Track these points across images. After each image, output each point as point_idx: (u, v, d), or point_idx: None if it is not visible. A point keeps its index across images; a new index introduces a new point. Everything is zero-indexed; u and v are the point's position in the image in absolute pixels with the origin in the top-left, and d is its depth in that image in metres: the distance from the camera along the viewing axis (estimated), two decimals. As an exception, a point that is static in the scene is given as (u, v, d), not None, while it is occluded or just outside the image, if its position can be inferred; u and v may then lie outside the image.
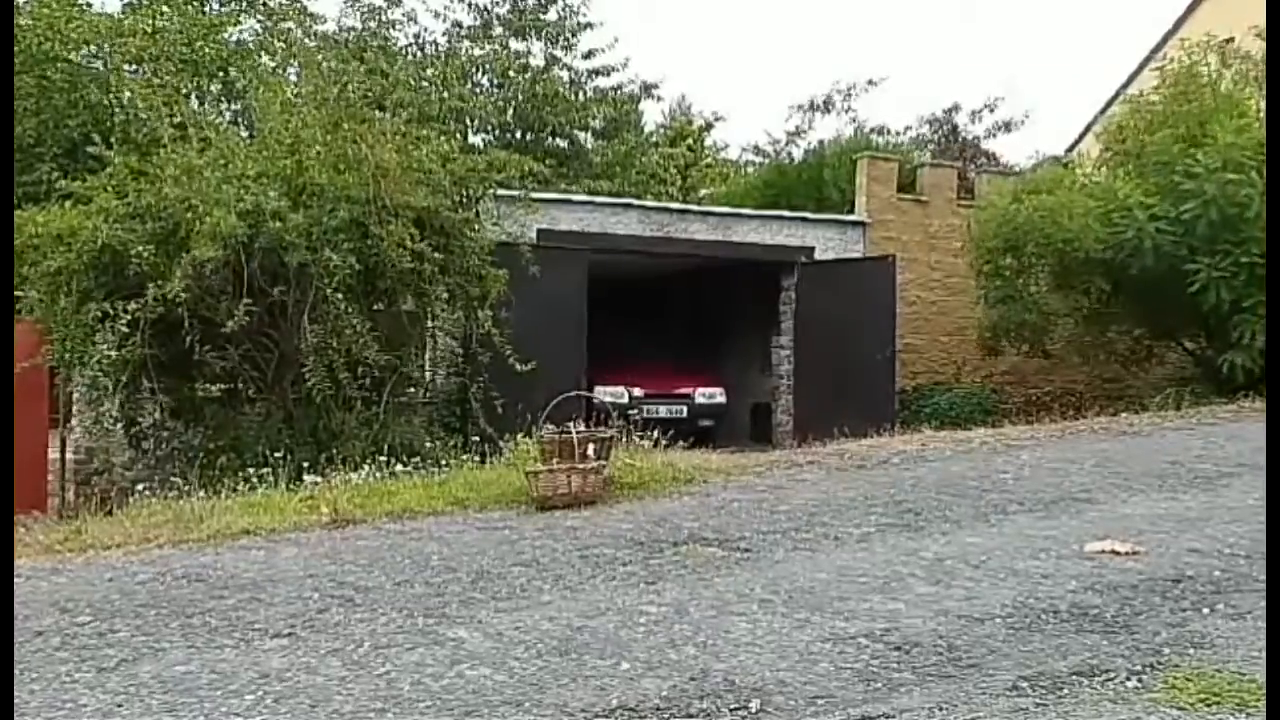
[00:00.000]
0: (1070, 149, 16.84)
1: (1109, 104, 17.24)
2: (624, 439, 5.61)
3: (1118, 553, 3.19)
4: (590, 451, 4.80)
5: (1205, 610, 2.60)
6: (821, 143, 16.64)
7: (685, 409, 11.17)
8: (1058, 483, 4.63)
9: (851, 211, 13.05)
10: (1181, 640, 2.38)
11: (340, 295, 6.32)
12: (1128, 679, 2.18)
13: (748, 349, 13.97)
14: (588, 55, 16.28)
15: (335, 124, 6.82)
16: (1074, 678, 2.21)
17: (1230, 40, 11.16)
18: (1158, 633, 2.44)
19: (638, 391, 10.78)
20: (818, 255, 12.42)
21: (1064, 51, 40.42)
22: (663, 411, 10.60)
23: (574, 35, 16.03)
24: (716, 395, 11.73)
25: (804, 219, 12.73)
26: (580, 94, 16.14)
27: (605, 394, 9.57)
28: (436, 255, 6.83)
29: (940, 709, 2.09)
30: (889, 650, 2.43)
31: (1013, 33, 40.58)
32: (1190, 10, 18.38)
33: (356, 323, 6.39)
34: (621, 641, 2.62)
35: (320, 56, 9.46)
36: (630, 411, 9.51)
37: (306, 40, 11.26)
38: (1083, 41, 40.04)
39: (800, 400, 12.12)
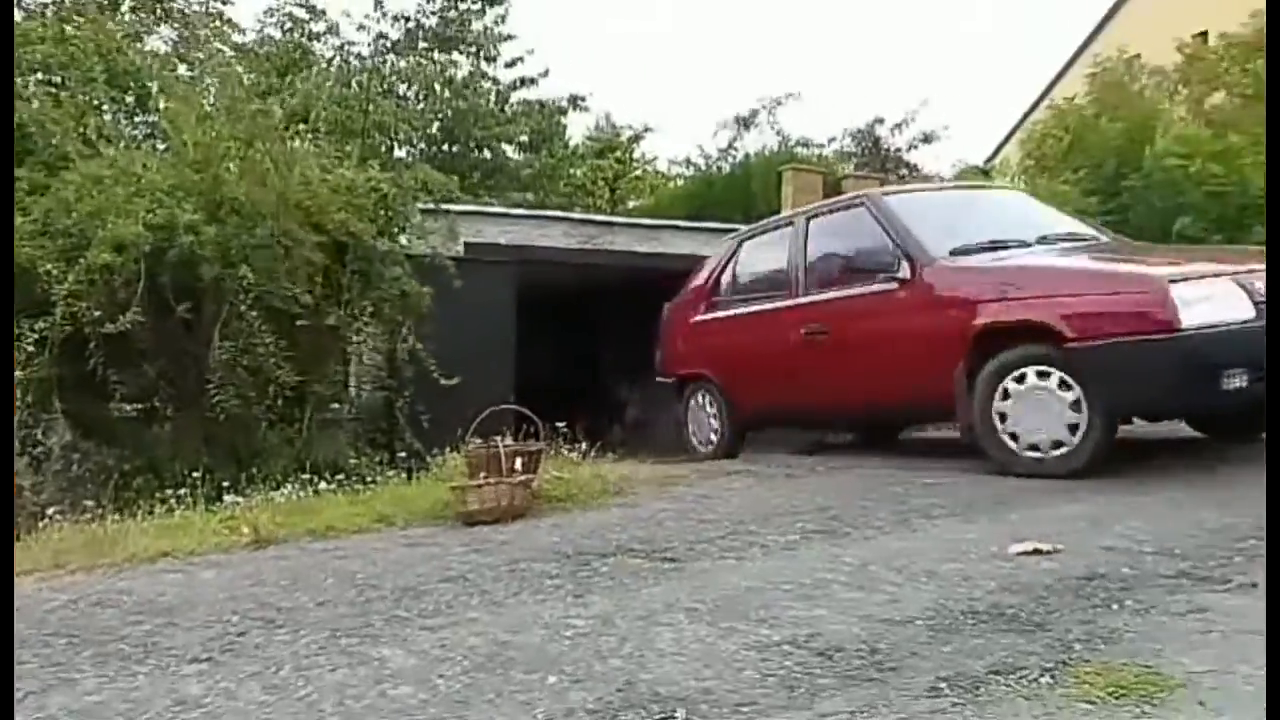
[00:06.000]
0: (991, 158, 17.34)
1: (1029, 113, 17.80)
2: (553, 451, 5.61)
3: (1040, 552, 3.26)
4: (518, 465, 4.78)
5: (1114, 606, 2.68)
6: (748, 154, 16.86)
7: None
8: (980, 488, 4.73)
9: (777, 222, 13.16)
10: (1092, 636, 2.45)
11: (255, 312, 6.22)
12: (1041, 676, 2.23)
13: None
14: (510, 64, 16.22)
15: (250, 140, 6.72)
16: (991, 676, 2.25)
17: (1138, 56, 11.61)
18: (1070, 630, 2.51)
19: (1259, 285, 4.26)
20: (745, 266, 12.53)
21: (980, 64, 41.61)
22: None
23: (497, 45, 16.00)
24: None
25: (730, 230, 12.86)
26: (506, 107, 16.10)
27: (1210, 300, 4.23)
28: (355, 275, 6.78)
29: (862, 712, 2.11)
30: (812, 656, 2.46)
31: (931, 47, 41.61)
32: (1104, 23, 19.04)
33: (270, 341, 6.29)
34: (548, 655, 2.61)
35: (239, 67, 9.29)
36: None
37: (225, 50, 11.05)
38: (997, 55, 41.25)
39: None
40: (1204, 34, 12.79)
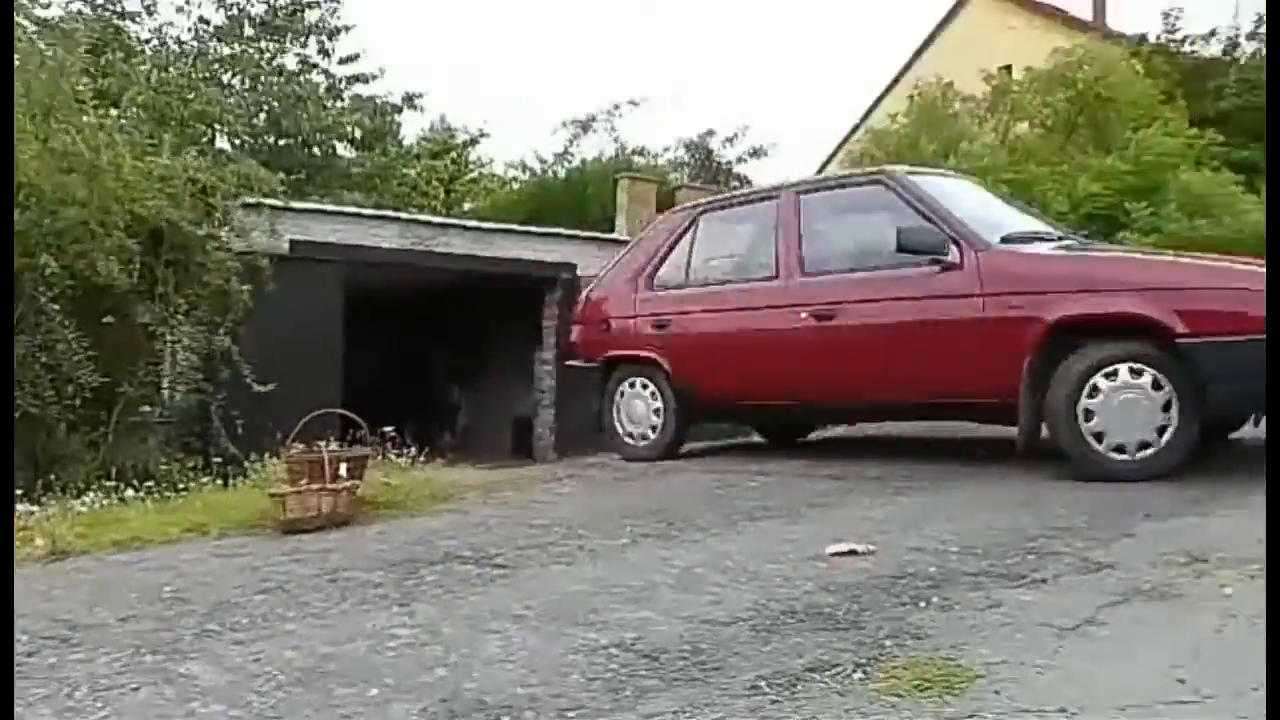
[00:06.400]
0: (818, 173, 18.07)
1: (852, 132, 18.69)
2: (380, 456, 5.48)
3: (856, 552, 3.37)
4: (343, 470, 4.64)
5: (922, 604, 2.83)
6: (584, 160, 16.99)
7: None
8: (800, 488, 4.92)
9: (612, 229, 13.34)
10: (901, 633, 2.58)
11: (56, 306, 5.80)
12: (854, 672, 2.34)
13: (511, 364, 13.98)
14: (345, 61, 15.75)
15: (46, 113, 6.26)
16: (808, 674, 2.34)
17: (950, 84, 12.34)
18: (881, 627, 2.63)
19: None
20: (580, 271, 12.62)
21: (810, 83, 43.32)
22: None
23: (331, 39, 15.49)
24: None
25: (566, 235, 12.94)
26: (338, 101, 15.61)
27: None
28: (170, 267, 6.42)
29: (685, 712, 2.16)
30: (638, 659, 2.49)
31: (766, 63, 43.00)
32: (921, 50, 20.26)
33: (72, 337, 5.88)
34: (370, 667, 2.54)
35: (41, 44, 8.64)
36: None
37: (25, 25, 10.25)
38: (827, 74, 43.03)
39: (562, 414, 12.24)
40: (1008, 68, 13.73)
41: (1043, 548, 3.42)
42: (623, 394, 6.53)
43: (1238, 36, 13.91)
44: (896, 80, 19.12)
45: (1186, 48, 14.18)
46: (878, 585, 3.03)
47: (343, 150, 16.08)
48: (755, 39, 46.85)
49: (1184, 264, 4.91)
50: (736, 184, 17.60)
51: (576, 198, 15.10)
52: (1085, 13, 19.88)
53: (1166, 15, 14.47)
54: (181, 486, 5.65)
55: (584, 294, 7.11)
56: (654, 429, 6.38)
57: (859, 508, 4.39)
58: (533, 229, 12.69)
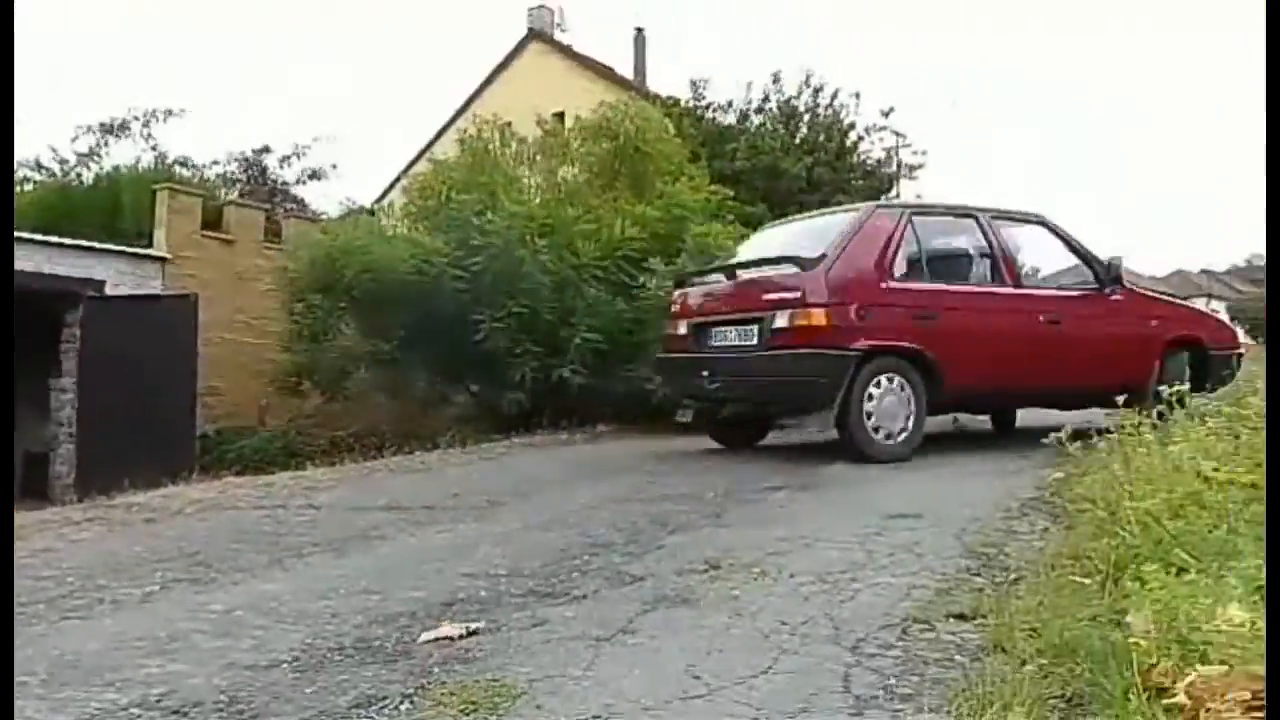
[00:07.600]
0: (379, 200, 17.87)
1: (414, 162, 18.76)
2: None
3: (452, 639, 2.83)
4: None
5: (470, 627, 2.89)
6: (117, 167, 15.26)
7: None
8: (352, 521, 4.80)
9: (149, 245, 12.19)
10: (449, 660, 2.62)
11: None
12: (402, 703, 2.33)
13: (21, 392, 12.19)
14: None
15: None
16: (353, 711, 2.29)
17: (509, 124, 12.83)
18: (430, 654, 2.65)
19: None
20: (109, 289, 11.39)
21: (375, 108, 42.93)
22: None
23: None
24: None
25: (93, 249, 11.61)
26: None
27: None
28: None
29: (217, 768, 2.01)
30: (165, 716, 2.29)
31: (329, 84, 41.82)
32: (482, 88, 20.96)
33: None
34: None
35: None
36: None
37: None
38: (392, 101, 42.95)
39: (85, 449, 10.94)
40: (561, 114, 14.62)
41: (585, 565, 3.65)
42: (869, 391, 6.22)
43: (749, 109, 16.05)
44: (460, 113, 19.58)
45: (710, 114, 16.07)
46: (429, 614, 3.05)
47: None
48: (325, 53, 45.42)
49: (1204, 310, 9.59)
50: (293, 205, 16.84)
51: (107, 207, 13.47)
52: (628, 71, 21.80)
53: (694, 84, 16.33)
54: None
55: (820, 271, 6.30)
56: (905, 426, 6.31)
57: (412, 537, 4.39)
58: (49, 239, 11.16)
